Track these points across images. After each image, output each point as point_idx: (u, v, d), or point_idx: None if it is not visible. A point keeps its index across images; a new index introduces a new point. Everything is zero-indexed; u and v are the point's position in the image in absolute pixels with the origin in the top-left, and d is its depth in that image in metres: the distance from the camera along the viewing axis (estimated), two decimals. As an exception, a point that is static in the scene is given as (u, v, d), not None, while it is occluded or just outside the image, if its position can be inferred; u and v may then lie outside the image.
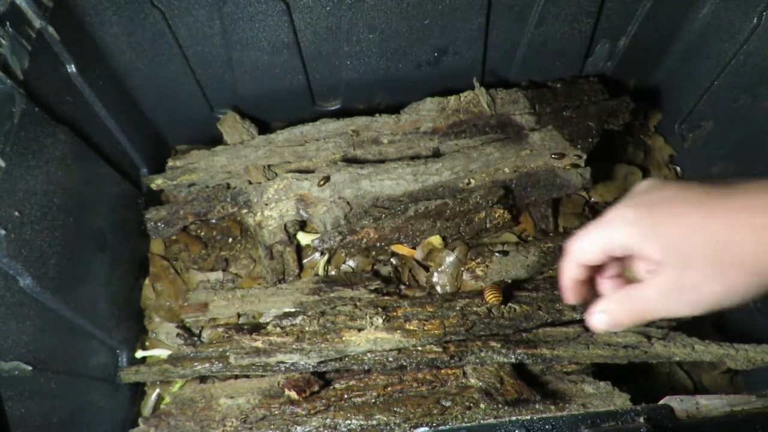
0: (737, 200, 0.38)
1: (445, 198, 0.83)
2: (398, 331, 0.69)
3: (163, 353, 0.81)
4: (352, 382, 0.71)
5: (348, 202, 0.83)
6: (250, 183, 0.87)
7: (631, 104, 0.91)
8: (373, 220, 0.81)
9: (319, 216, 0.83)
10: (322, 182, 0.83)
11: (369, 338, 0.69)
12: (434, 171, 0.83)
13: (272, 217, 0.84)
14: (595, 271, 0.48)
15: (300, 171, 0.87)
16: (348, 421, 0.67)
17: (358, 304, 0.75)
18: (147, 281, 0.87)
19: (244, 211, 0.87)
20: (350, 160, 0.86)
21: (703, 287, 0.38)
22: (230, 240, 0.90)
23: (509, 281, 0.77)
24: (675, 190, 0.41)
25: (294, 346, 0.70)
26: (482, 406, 0.66)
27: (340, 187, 0.83)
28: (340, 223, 0.83)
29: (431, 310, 0.72)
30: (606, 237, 0.42)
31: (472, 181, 0.83)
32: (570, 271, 0.47)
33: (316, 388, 0.70)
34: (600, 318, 0.45)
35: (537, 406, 0.66)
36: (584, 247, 0.44)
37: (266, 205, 0.85)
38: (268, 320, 0.77)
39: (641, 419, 0.50)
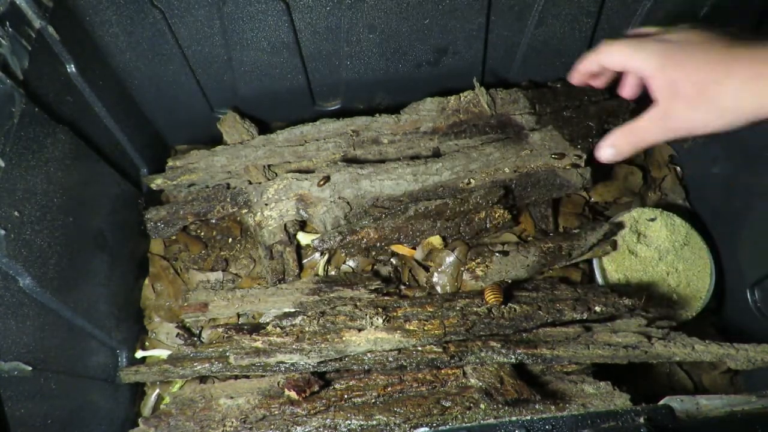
0: (734, 54, 0.46)
1: (445, 198, 0.83)
2: (398, 331, 0.69)
3: (163, 353, 0.81)
4: (352, 382, 0.71)
5: (348, 202, 0.83)
6: (250, 183, 0.87)
7: (631, 104, 0.91)
8: (373, 220, 0.81)
9: (319, 216, 0.83)
10: (322, 182, 0.83)
11: (369, 338, 0.69)
12: (434, 171, 0.83)
13: (272, 217, 0.84)
14: (597, 75, 0.59)
15: (300, 171, 0.87)
16: (348, 422, 0.67)
17: (358, 304, 0.75)
18: (147, 281, 0.87)
19: (244, 211, 0.87)
20: (350, 160, 0.86)
21: (683, 114, 0.49)
22: (230, 240, 0.90)
23: (509, 281, 0.77)
24: (706, 39, 0.49)
25: (294, 346, 0.70)
26: (482, 406, 0.66)
27: (340, 187, 0.83)
28: (340, 223, 0.83)
29: (431, 310, 0.72)
30: (631, 57, 0.51)
31: (472, 181, 0.83)
32: (589, 63, 0.57)
33: (316, 388, 0.70)
34: (606, 151, 0.56)
35: (537, 406, 0.66)
36: (612, 53, 0.53)
37: (266, 205, 0.85)
38: (268, 320, 0.77)
39: (641, 419, 0.50)
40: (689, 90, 0.48)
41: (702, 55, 0.48)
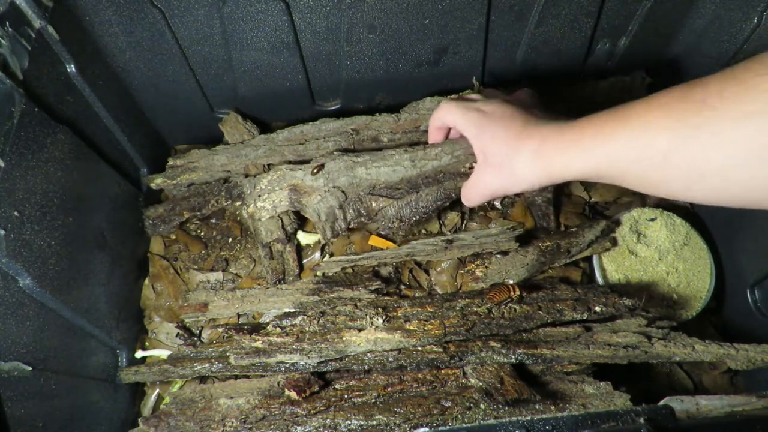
0: (526, 133, 0.58)
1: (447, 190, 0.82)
2: (398, 332, 0.69)
3: (163, 353, 0.81)
4: (352, 382, 0.71)
5: (343, 191, 0.80)
6: (246, 176, 0.86)
7: (648, 79, 0.90)
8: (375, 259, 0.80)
9: (313, 206, 0.81)
10: (315, 170, 0.80)
11: (369, 338, 0.69)
12: (433, 156, 0.79)
13: (265, 208, 0.82)
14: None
15: (294, 162, 0.85)
16: (348, 422, 0.67)
17: (358, 304, 0.75)
18: (147, 281, 0.87)
19: (238, 203, 0.86)
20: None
21: (489, 180, 0.62)
22: (230, 240, 0.90)
23: (512, 282, 0.77)
24: (510, 114, 0.61)
25: (294, 346, 0.70)
26: (482, 406, 0.66)
27: (335, 176, 0.81)
28: (335, 212, 0.80)
29: (431, 310, 0.72)
30: (459, 121, 0.66)
31: (474, 165, 0.81)
32: (436, 120, 0.73)
33: (316, 388, 0.70)
34: (463, 201, 0.72)
35: (537, 407, 0.66)
36: (446, 118, 0.69)
37: (259, 196, 0.83)
38: (268, 320, 0.77)
39: (641, 420, 0.50)
40: (493, 160, 0.60)
41: (504, 132, 0.59)
